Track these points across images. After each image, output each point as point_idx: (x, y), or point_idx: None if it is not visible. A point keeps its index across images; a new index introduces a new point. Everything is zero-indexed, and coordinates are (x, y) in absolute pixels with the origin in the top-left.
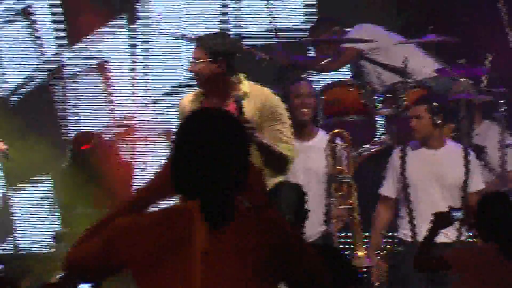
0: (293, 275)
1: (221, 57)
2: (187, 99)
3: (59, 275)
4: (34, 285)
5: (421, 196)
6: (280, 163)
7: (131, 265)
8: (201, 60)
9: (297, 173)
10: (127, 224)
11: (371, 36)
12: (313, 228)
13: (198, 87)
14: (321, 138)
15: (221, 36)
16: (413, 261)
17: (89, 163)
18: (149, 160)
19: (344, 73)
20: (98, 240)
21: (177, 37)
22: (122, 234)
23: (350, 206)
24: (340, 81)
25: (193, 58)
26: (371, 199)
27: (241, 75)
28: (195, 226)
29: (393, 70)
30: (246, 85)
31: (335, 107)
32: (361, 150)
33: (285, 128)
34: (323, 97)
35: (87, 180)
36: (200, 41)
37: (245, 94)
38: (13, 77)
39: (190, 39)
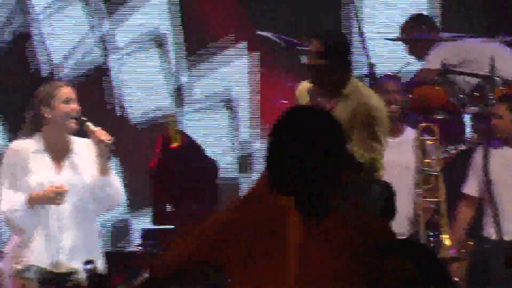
0: (382, 272)
1: (338, 54)
2: (302, 88)
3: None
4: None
5: (505, 195)
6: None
7: (228, 261)
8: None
9: (386, 169)
10: (225, 221)
11: (456, 52)
12: (402, 223)
13: (312, 81)
14: (409, 134)
15: (339, 33)
16: (505, 259)
17: (179, 161)
18: (210, 130)
19: None
20: (196, 239)
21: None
22: (221, 231)
23: (437, 199)
24: (428, 79)
25: (310, 51)
26: (457, 197)
27: (353, 75)
28: (290, 222)
29: (481, 77)
30: (351, 86)
31: (422, 104)
32: (449, 148)
33: (377, 131)
34: (410, 94)
35: (178, 178)
36: (321, 35)
37: (347, 96)
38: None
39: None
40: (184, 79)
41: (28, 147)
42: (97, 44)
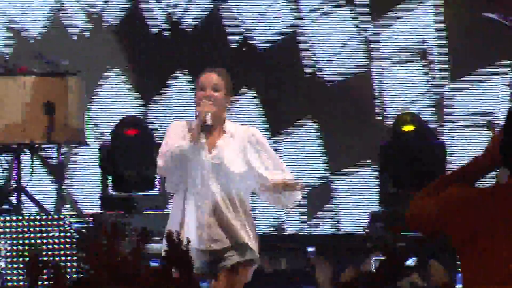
0: None
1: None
2: None
3: (374, 258)
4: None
5: None
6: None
7: (458, 235)
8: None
9: None
10: (462, 195)
11: None
12: None
13: None
14: None
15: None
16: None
17: (410, 145)
18: (469, 149)
19: None
20: (434, 204)
21: None
22: (456, 204)
23: None
24: None
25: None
26: None
27: None
28: None
29: None
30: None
31: None
32: None
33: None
34: None
35: (407, 161)
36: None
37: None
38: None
39: None
40: (445, 94)
41: (186, 125)
42: (361, 49)
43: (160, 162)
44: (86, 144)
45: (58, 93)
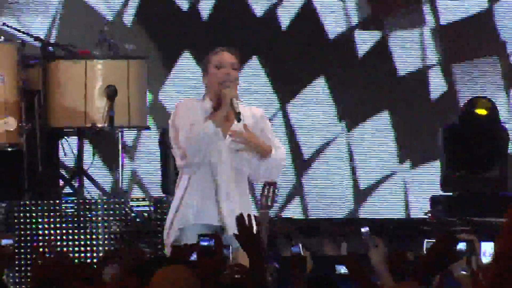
0: None
1: None
2: None
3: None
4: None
5: None
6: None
7: None
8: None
9: None
10: None
11: None
12: None
13: None
14: None
15: None
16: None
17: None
18: None
19: None
20: None
21: None
22: None
23: None
24: None
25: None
26: None
27: None
28: None
29: None
30: None
31: None
32: None
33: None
34: None
35: (472, 145)
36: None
37: None
38: None
39: None
40: None
41: (198, 105)
42: None
43: (185, 141)
44: (148, 128)
45: (120, 76)
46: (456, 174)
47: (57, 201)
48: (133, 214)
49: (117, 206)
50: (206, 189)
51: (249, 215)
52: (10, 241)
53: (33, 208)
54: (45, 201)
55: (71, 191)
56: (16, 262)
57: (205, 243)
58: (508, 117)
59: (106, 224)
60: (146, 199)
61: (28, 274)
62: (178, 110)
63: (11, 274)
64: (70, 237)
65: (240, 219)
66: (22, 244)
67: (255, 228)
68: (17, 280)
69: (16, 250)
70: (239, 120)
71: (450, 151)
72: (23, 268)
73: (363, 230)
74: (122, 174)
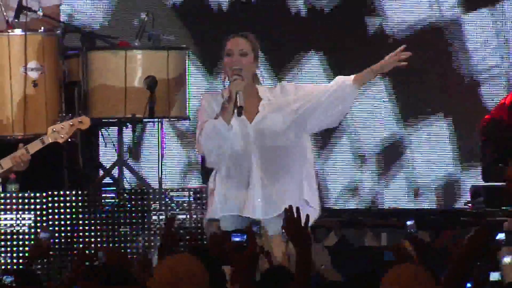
0: None
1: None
2: None
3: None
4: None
5: None
6: None
7: None
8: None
9: None
10: None
11: None
12: None
13: None
14: None
15: None
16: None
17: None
18: None
19: None
20: None
21: None
22: None
23: None
24: None
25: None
26: None
27: None
28: None
29: None
30: None
31: None
32: None
33: None
34: None
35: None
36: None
37: None
38: None
39: None
40: None
41: (215, 100)
42: None
43: (199, 140)
44: (188, 119)
45: (160, 67)
46: (498, 165)
47: (97, 192)
48: (172, 204)
49: (157, 196)
50: (235, 180)
51: (297, 208)
52: (46, 235)
53: (74, 198)
54: (85, 192)
55: (111, 182)
56: (51, 253)
57: (237, 239)
58: None
59: (146, 214)
60: (186, 190)
61: (62, 266)
62: (200, 106)
63: (45, 266)
64: (110, 227)
65: (288, 211)
66: (63, 234)
67: (303, 220)
68: (50, 272)
69: (52, 240)
70: (239, 114)
71: (492, 141)
72: (58, 260)
73: (408, 223)
74: (161, 164)
